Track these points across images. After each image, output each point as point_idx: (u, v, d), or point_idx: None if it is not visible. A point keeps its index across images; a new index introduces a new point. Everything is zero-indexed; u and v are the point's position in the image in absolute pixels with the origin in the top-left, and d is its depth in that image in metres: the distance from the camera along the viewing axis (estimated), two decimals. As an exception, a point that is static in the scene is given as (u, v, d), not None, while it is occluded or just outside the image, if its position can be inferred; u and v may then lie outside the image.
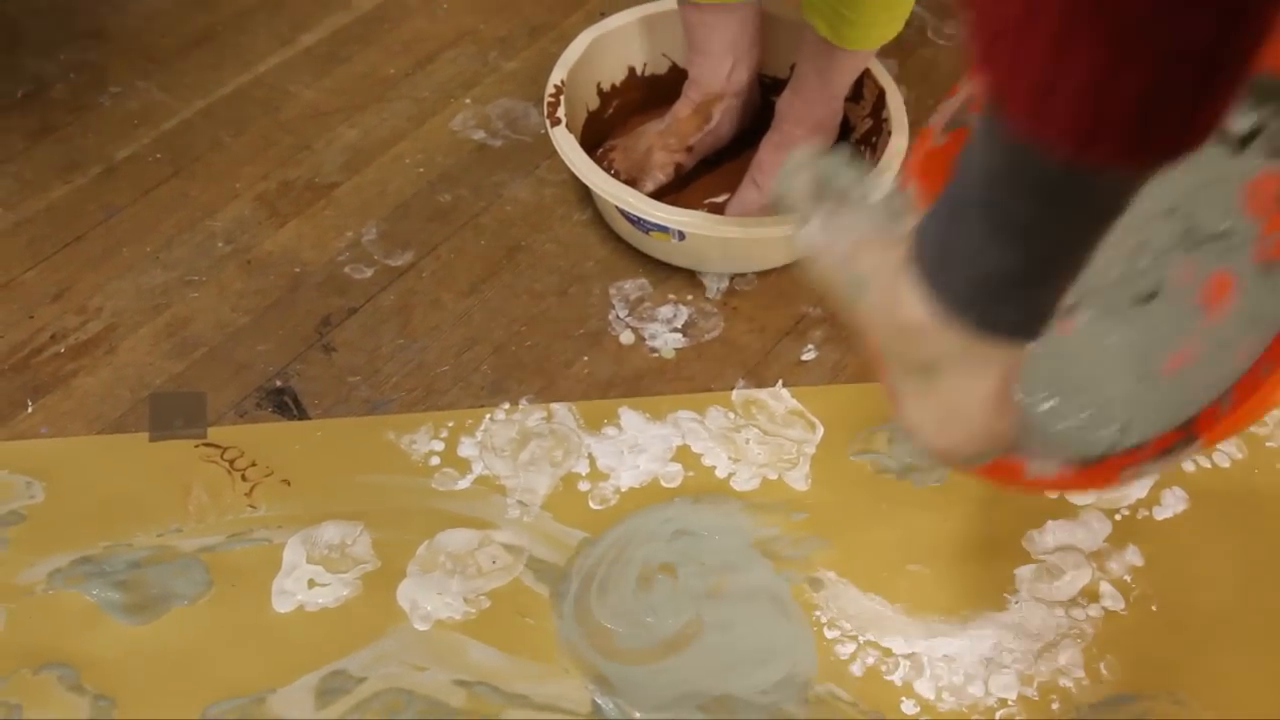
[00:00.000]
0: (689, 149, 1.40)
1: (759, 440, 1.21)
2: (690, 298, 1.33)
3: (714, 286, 1.34)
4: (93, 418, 1.19)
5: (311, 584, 1.09)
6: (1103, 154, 0.50)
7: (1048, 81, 0.48)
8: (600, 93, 1.44)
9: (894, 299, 0.67)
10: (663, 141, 1.40)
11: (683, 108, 1.40)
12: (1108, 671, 1.09)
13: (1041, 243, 0.57)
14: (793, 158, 0.78)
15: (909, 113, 1.37)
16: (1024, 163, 0.53)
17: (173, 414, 1.19)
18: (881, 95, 1.37)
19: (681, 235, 1.28)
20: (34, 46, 1.50)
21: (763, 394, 1.25)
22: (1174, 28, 0.45)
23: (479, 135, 1.47)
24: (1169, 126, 0.49)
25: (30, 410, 1.19)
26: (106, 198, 1.37)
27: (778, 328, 1.31)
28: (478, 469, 1.18)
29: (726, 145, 1.44)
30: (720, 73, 1.37)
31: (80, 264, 1.31)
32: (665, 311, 1.31)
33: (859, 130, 1.41)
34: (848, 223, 0.74)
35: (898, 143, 1.33)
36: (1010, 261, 0.58)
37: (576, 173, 1.30)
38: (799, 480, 1.19)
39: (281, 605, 1.08)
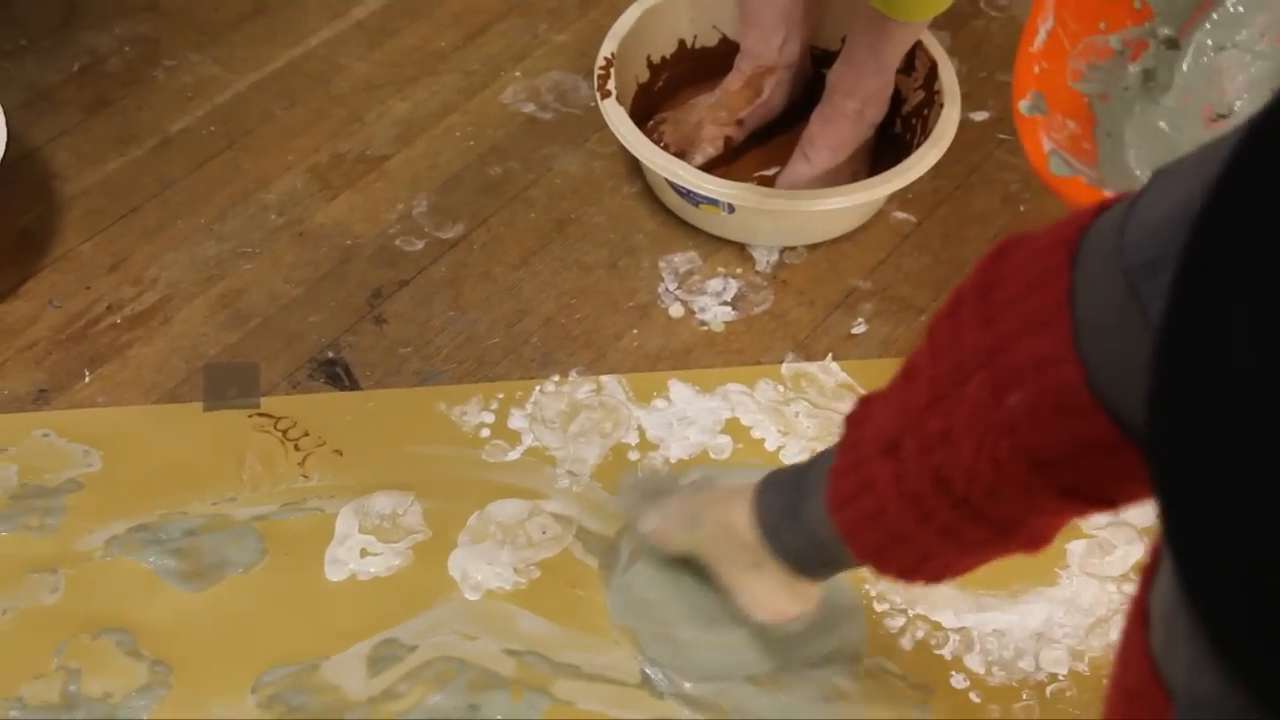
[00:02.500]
0: (739, 122, 1.39)
1: (809, 413, 1.21)
2: (740, 271, 1.33)
3: (764, 259, 1.34)
4: (148, 387, 1.20)
5: (364, 553, 1.10)
6: (888, 575, 0.82)
7: (877, 554, 0.80)
8: (650, 65, 1.44)
9: (727, 526, 0.96)
10: (713, 114, 1.39)
11: (733, 80, 1.40)
12: (1159, 647, 1.08)
13: (836, 563, 0.90)
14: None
15: (961, 85, 1.36)
16: (845, 548, 0.83)
17: (227, 384, 1.21)
18: (934, 67, 1.36)
19: (731, 208, 1.28)
20: (90, 20, 1.51)
21: (812, 367, 1.25)
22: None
23: (529, 108, 1.47)
24: (926, 579, 0.81)
25: (88, 380, 1.21)
26: (161, 170, 1.38)
27: (828, 301, 1.31)
28: (528, 440, 1.18)
29: (777, 118, 1.44)
30: (772, 45, 1.37)
31: (136, 235, 1.32)
32: (715, 284, 1.31)
33: (910, 103, 1.40)
34: (665, 504, 1.05)
35: (950, 114, 1.32)
36: (817, 562, 0.91)
37: (626, 145, 1.30)
38: (849, 453, 1.19)
39: (334, 574, 1.09)
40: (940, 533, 0.74)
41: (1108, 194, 0.88)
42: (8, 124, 1.24)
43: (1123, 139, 0.94)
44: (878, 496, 0.77)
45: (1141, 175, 0.93)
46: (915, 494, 0.73)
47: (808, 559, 0.91)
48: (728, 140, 1.39)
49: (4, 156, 1.22)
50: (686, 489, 1.08)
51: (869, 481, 0.77)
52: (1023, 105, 0.94)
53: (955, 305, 0.70)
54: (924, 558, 0.78)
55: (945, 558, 0.78)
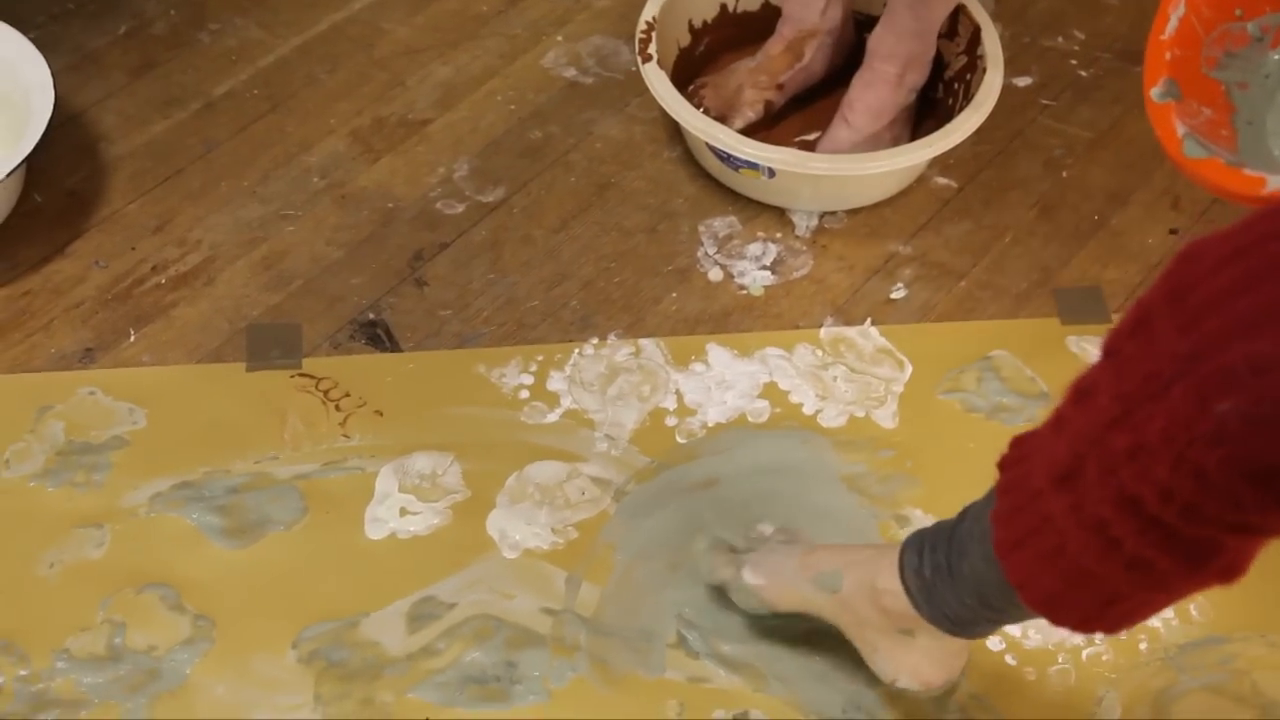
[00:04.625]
0: (780, 86, 1.39)
1: (846, 378, 1.21)
2: (779, 235, 1.33)
3: (803, 224, 1.33)
4: (192, 347, 1.22)
5: (403, 512, 1.11)
6: (1065, 624, 0.78)
7: (1054, 599, 0.76)
8: (692, 29, 1.44)
9: (872, 589, 0.92)
10: (753, 79, 1.39)
11: (775, 44, 1.39)
12: (1198, 613, 1.08)
13: (1000, 617, 0.86)
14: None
15: (1004, 50, 1.35)
16: (1014, 600, 0.80)
17: (269, 345, 1.22)
18: (977, 32, 1.35)
19: (772, 172, 1.28)
20: (135, -16, 1.52)
21: (851, 332, 1.25)
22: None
23: (570, 72, 1.47)
24: (1105, 628, 0.78)
25: (133, 339, 1.22)
26: (206, 132, 1.39)
27: (867, 266, 1.31)
28: (566, 403, 1.19)
29: (818, 83, 1.43)
30: (814, 9, 1.36)
31: (180, 197, 1.33)
32: (754, 249, 1.31)
33: (953, 67, 1.39)
34: (766, 558, 1.01)
35: (993, 79, 1.31)
36: (979, 619, 0.87)
37: (667, 110, 1.30)
38: (886, 418, 1.19)
39: (374, 532, 1.10)
40: (1128, 565, 0.70)
41: (1246, 173, 0.87)
42: (55, 86, 1.26)
43: (1264, 127, 0.93)
44: (1056, 532, 0.72)
45: None
46: (1098, 520, 0.69)
47: (967, 619, 0.87)
48: (768, 104, 1.39)
49: (51, 119, 1.23)
50: (777, 543, 1.04)
51: (1044, 517, 0.73)
52: (1154, 92, 0.93)
53: (1140, 317, 0.67)
54: (1108, 599, 0.74)
55: (1131, 597, 0.73)
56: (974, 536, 0.82)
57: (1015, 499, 0.76)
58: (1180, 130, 0.90)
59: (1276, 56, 0.96)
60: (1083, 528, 0.71)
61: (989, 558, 0.79)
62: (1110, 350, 0.69)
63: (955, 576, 0.85)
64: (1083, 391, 0.71)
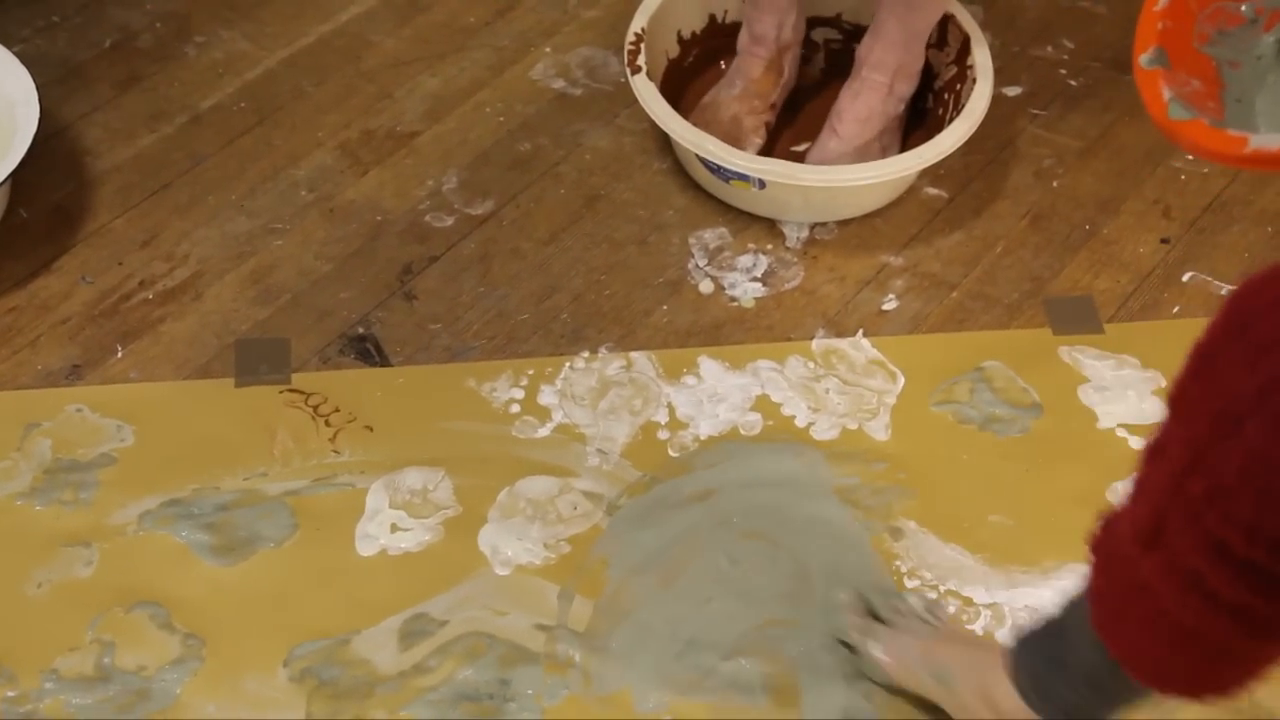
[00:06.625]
0: (772, 106, 1.39)
1: (839, 390, 1.21)
2: (770, 247, 1.32)
3: (794, 235, 1.33)
4: (180, 363, 1.21)
5: (394, 528, 1.11)
6: (1175, 691, 0.76)
7: (1161, 667, 0.74)
8: (681, 41, 1.43)
9: (988, 699, 0.91)
10: (746, 105, 1.38)
11: (753, 67, 1.39)
12: (1192, 625, 1.07)
13: (1114, 703, 0.83)
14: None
15: (994, 60, 1.35)
16: (1123, 680, 0.77)
17: (258, 360, 1.21)
18: (966, 42, 1.35)
19: (762, 183, 1.27)
20: (120, -3, 1.52)
21: (843, 343, 1.24)
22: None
23: (559, 84, 1.46)
24: (1216, 690, 0.75)
25: (120, 355, 1.21)
26: (192, 146, 1.38)
27: (858, 277, 1.30)
28: (558, 417, 1.18)
29: (795, 91, 1.43)
30: (786, 25, 1.37)
31: (167, 211, 1.33)
32: (745, 260, 1.31)
33: (943, 77, 1.39)
34: (897, 637, 1.01)
35: (982, 89, 1.31)
36: (1095, 709, 0.83)
37: (657, 121, 1.29)
38: (879, 430, 1.18)
39: (365, 549, 1.10)
40: (1230, 615, 0.67)
41: (1230, 133, 0.86)
42: (40, 100, 1.25)
43: (1253, 106, 0.93)
44: (1153, 596, 0.70)
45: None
46: (1192, 574, 0.67)
47: (1088, 709, 0.83)
48: (767, 126, 1.38)
49: (37, 133, 1.22)
50: (915, 619, 1.04)
51: (1140, 585, 0.70)
52: (1143, 59, 0.92)
53: (1199, 363, 0.66)
54: (1215, 657, 0.71)
55: (1238, 651, 0.71)
56: (1076, 621, 0.80)
57: (1108, 571, 0.75)
58: (1166, 94, 0.89)
59: (1271, 39, 0.96)
60: (1178, 586, 0.68)
61: (1093, 639, 0.77)
62: (1173, 404, 0.68)
63: (1068, 669, 0.83)
64: (1155, 450, 0.70)
